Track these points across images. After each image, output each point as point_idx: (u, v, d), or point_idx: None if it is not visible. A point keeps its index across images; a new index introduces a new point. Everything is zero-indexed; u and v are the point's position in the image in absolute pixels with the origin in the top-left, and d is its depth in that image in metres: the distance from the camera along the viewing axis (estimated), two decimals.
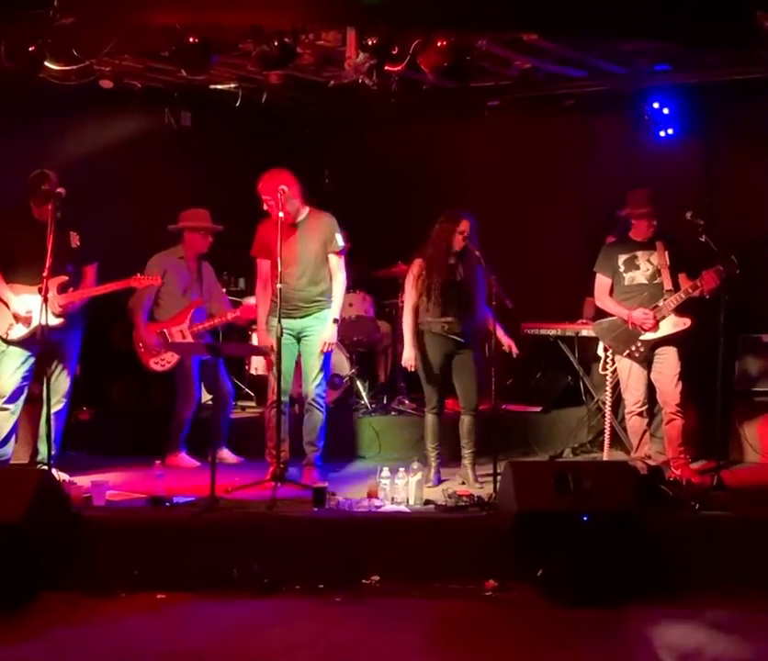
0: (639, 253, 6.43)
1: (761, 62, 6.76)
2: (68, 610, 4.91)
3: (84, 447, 7.23)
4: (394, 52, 6.14)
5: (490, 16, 5.78)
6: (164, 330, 6.92)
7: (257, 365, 8.01)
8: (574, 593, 4.93)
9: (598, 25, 5.85)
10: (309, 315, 6.31)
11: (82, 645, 4.56)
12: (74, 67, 6.34)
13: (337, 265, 6.33)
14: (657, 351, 6.40)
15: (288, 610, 4.93)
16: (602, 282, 6.57)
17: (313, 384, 6.31)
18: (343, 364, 7.70)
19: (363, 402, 7.87)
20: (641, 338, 6.37)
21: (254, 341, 7.25)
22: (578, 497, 5.04)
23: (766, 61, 6.69)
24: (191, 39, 6.08)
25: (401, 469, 5.80)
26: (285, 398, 6.31)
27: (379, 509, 5.60)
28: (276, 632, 4.67)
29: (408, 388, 7.85)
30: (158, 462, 6.02)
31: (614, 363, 6.60)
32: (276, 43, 6.10)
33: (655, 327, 6.33)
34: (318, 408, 6.34)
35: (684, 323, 6.31)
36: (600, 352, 6.71)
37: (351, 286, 6.78)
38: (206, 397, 7.34)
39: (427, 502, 5.76)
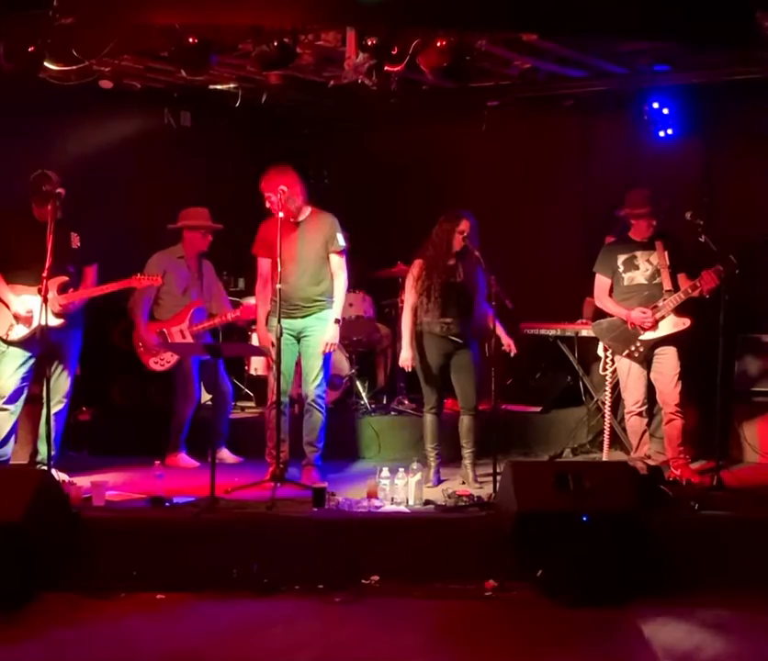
0: (639, 254, 6.43)
1: (760, 62, 6.76)
2: (67, 610, 4.91)
3: (84, 447, 7.23)
4: (394, 52, 6.15)
5: (489, 17, 5.77)
6: (164, 330, 6.92)
7: (257, 366, 8.01)
8: (574, 593, 4.93)
9: (598, 25, 5.85)
10: (309, 315, 6.31)
11: (81, 645, 4.56)
12: (74, 67, 6.34)
13: (338, 265, 6.33)
14: (656, 351, 6.40)
15: (287, 611, 4.93)
16: (601, 282, 6.57)
17: (313, 384, 6.31)
18: (342, 365, 7.71)
19: (362, 402, 7.86)
20: (640, 338, 6.37)
21: (254, 341, 7.25)
22: (578, 497, 5.04)
23: (766, 61, 6.69)
24: (191, 40, 6.08)
25: (401, 469, 5.80)
26: (285, 399, 6.31)
27: (379, 510, 5.60)
28: (275, 633, 4.67)
29: (407, 389, 7.85)
30: (158, 462, 6.02)
31: (613, 363, 6.60)
32: (275, 43, 6.11)
33: (654, 327, 6.33)
34: (318, 409, 6.33)
35: (684, 323, 6.31)
36: (599, 352, 6.71)
37: (351, 286, 6.78)
38: (205, 397, 7.34)
39: (427, 502, 5.76)
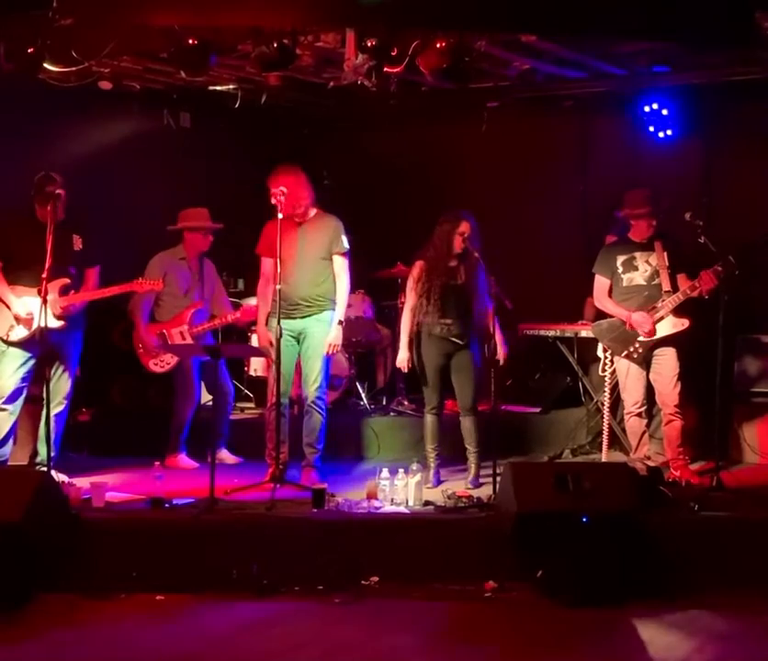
0: (638, 254, 6.44)
1: (760, 63, 6.76)
2: (67, 611, 4.91)
3: (84, 448, 7.23)
4: (393, 54, 6.15)
5: (489, 17, 5.77)
6: (164, 332, 6.92)
7: (256, 367, 8.02)
8: (574, 594, 4.93)
9: (597, 26, 5.85)
10: (309, 316, 6.31)
11: (81, 646, 4.56)
12: (74, 68, 6.34)
13: (341, 267, 6.33)
14: (656, 351, 6.40)
15: (287, 612, 4.93)
16: (600, 283, 6.57)
17: (313, 386, 6.31)
18: (342, 365, 7.71)
19: (362, 403, 7.87)
20: (640, 339, 6.37)
21: (254, 342, 7.25)
22: (577, 498, 5.05)
23: (765, 62, 6.70)
24: (190, 41, 6.08)
25: (401, 470, 5.80)
26: (284, 400, 6.31)
27: (379, 511, 5.60)
28: (275, 634, 4.67)
29: (407, 389, 7.85)
30: (157, 463, 6.02)
31: (612, 364, 6.60)
32: (275, 44, 6.11)
33: (653, 332, 6.33)
34: (318, 411, 6.33)
35: (683, 324, 6.31)
36: (599, 353, 6.71)
37: (350, 287, 6.77)
38: (206, 397, 7.33)
39: (426, 503, 5.76)
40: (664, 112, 7.80)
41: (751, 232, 6.59)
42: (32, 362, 6.23)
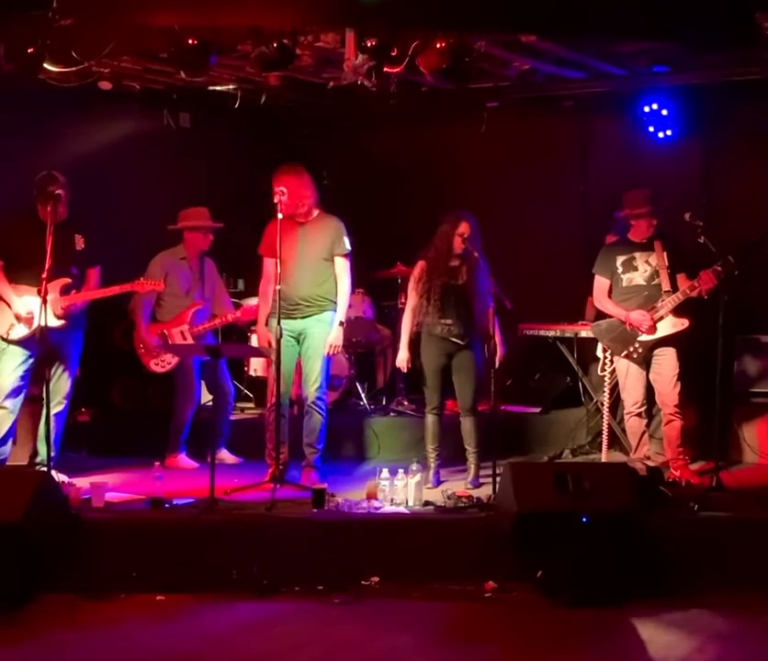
0: (638, 255, 6.44)
1: (759, 63, 6.76)
2: (67, 611, 4.91)
3: (84, 448, 7.23)
4: (393, 54, 6.15)
5: (488, 18, 5.77)
6: (165, 332, 6.91)
7: (256, 367, 8.02)
8: (574, 594, 4.94)
9: (596, 26, 5.84)
10: (309, 316, 6.31)
11: (81, 647, 4.56)
12: (73, 68, 6.34)
13: (342, 268, 6.33)
14: (655, 351, 6.40)
15: (287, 612, 4.94)
16: (600, 283, 6.57)
17: (313, 386, 6.31)
18: (342, 365, 7.71)
19: (362, 403, 7.87)
20: (639, 339, 6.37)
21: (254, 342, 7.25)
22: (577, 498, 5.05)
23: (765, 62, 6.70)
24: (190, 41, 6.07)
25: (401, 470, 5.80)
26: (284, 400, 6.31)
27: (379, 511, 5.60)
28: (275, 634, 4.67)
29: (407, 390, 7.85)
30: (157, 463, 6.03)
31: (612, 364, 6.60)
32: (275, 44, 6.10)
33: (653, 329, 6.34)
34: (318, 411, 6.33)
35: (682, 324, 6.31)
36: (599, 353, 6.71)
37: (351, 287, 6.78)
38: (206, 397, 7.33)
39: (426, 503, 5.77)
40: (664, 112, 7.80)
41: (750, 232, 6.61)
42: (32, 360, 6.23)
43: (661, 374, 6.41)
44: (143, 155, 8.14)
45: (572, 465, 6.25)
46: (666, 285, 6.31)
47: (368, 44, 6.08)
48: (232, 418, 7.34)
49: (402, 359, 6.41)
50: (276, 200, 6.02)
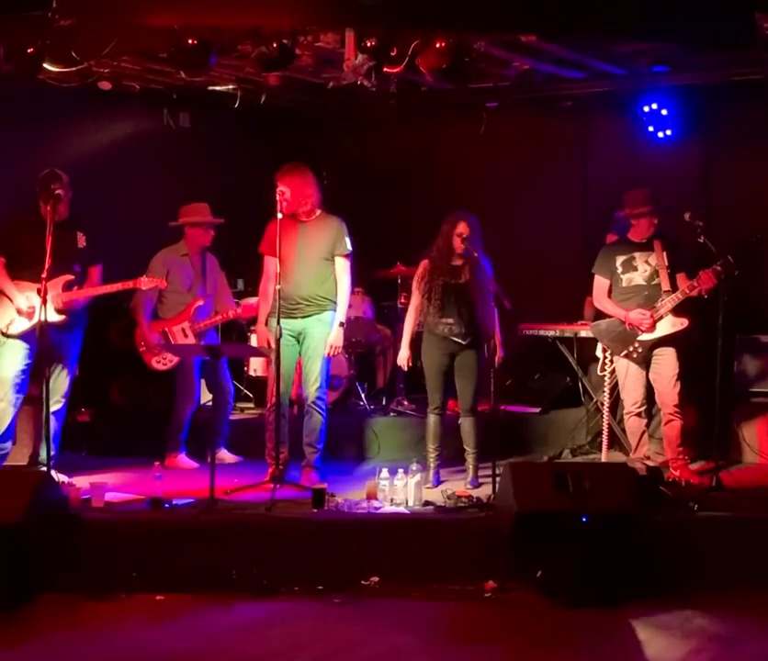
0: (637, 255, 6.44)
1: (759, 63, 6.77)
2: (67, 611, 4.91)
3: (84, 448, 7.24)
4: (393, 54, 6.15)
5: (488, 18, 5.77)
6: (166, 329, 6.91)
7: (256, 367, 8.01)
8: (574, 594, 4.93)
9: (596, 26, 5.85)
10: (309, 315, 6.30)
11: (81, 647, 4.56)
12: (73, 69, 6.35)
13: (343, 268, 6.33)
14: (655, 351, 6.40)
15: (287, 612, 4.93)
16: (600, 283, 6.57)
17: (314, 386, 6.31)
18: (342, 365, 7.70)
19: (362, 403, 7.87)
20: (639, 338, 6.37)
21: (254, 341, 7.25)
22: (577, 498, 5.04)
23: (764, 62, 6.71)
24: (190, 41, 6.07)
25: (401, 470, 5.80)
26: (284, 400, 6.31)
27: (378, 511, 5.60)
28: (275, 634, 4.67)
29: (407, 390, 7.85)
30: (157, 463, 6.02)
31: (612, 363, 6.60)
32: (274, 45, 6.11)
33: (652, 328, 6.34)
34: (318, 411, 6.33)
35: (682, 323, 6.31)
36: (598, 353, 6.71)
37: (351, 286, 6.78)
38: (206, 397, 7.33)
39: (426, 503, 5.77)
40: (664, 112, 7.80)
41: (750, 232, 6.59)
42: (32, 356, 6.23)
43: (661, 373, 6.41)
44: (143, 155, 8.14)
45: (572, 465, 6.25)
46: (666, 285, 6.31)
47: (368, 44, 6.08)
48: (232, 418, 7.34)
49: (403, 357, 6.43)
50: (277, 199, 6.02)
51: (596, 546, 4.96)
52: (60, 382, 6.31)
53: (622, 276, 6.47)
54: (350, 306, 7.74)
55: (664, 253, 6.36)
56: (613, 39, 6.71)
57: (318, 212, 6.36)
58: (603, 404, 6.83)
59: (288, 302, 6.16)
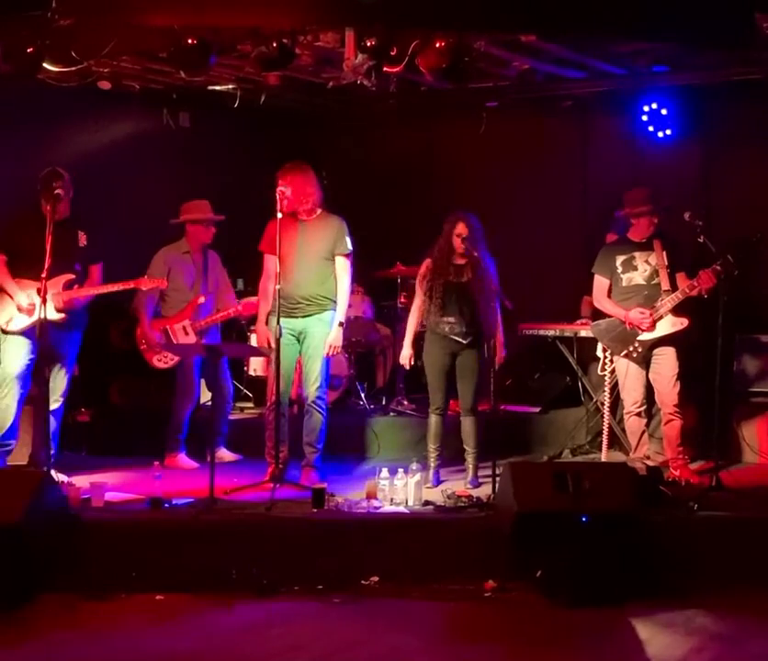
0: (637, 254, 6.44)
1: (759, 63, 6.77)
2: (67, 611, 4.90)
3: (83, 448, 7.24)
4: (393, 53, 6.15)
5: (488, 17, 5.77)
6: (167, 328, 6.90)
7: (256, 367, 8.01)
8: (573, 594, 4.93)
9: (596, 26, 5.85)
10: (310, 315, 6.30)
11: (80, 647, 4.55)
12: (73, 68, 6.35)
13: (343, 268, 6.32)
14: (655, 351, 6.40)
15: (287, 612, 4.93)
16: (600, 283, 6.57)
17: (314, 385, 6.31)
18: (341, 365, 7.70)
19: (362, 403, 7.87)
20: (639, 338, 6.37)
21: (253, 341, 7.24)
22: (577, 497, 5.04)
23: (764, 62, 6.71)
24: (189, 41, 6.08)
25: (400, 470, 5.80)
26: (284, 399, 6.31)
27: (378, 510, 5.60)
28: (275, 634, 4.67)
29: (407, 389, 7.86)
30: (157, 463, 6.03)
31: (612, 363, 6.60)
32: (274, 44, 6.11)
33: (652, 327, 6.34)
34: (318, 410, 6.33)
35: (682, 323, 6.31)
36: (598, 352, 6.71)
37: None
38: (205, 396, 7.33)
39: (426, 503, 5.76)
40: (664, 112, 7.81)
41: (750, 232, 6.59)
42: (35, 352, 6.23)
43: (661, 373, 6.41)
44: (143, 155, 8.14)
45: (572, 465, 6.25)
46: (666, 285, 6.31)
47: (368, 44, 6.09)
48: (232, 417, 7.34)
49: (405, 356, 6.45)
50: (277, 197, 6.02)
51: (596, 546, 4.96)
52: (58, 381, 6.32)
53: (622, 276, 6.47)
54: (350, 305, 7.73)
55: (664, 253, 6.36)
56: (613, 39, 6.72)
57: (318, 211, 6.36)
58: (603, 404, 6.83)
59: (289, 302, 6.16)
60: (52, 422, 6.24)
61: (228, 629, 4.73)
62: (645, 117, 7.88)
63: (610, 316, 6.50)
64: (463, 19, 5.77)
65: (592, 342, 6.92)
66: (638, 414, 6.50)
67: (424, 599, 5.04)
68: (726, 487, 5.98)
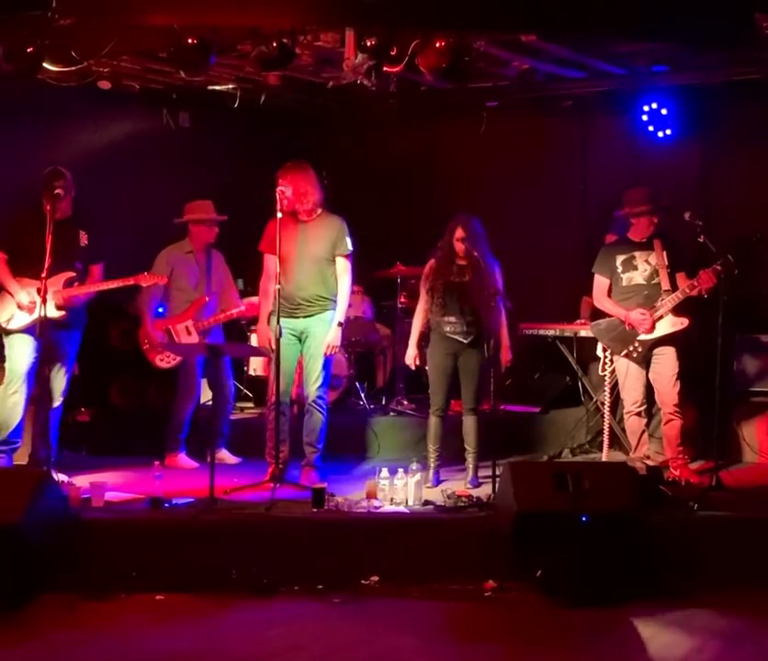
0: (637, 254, 6.44)
1: (759, 63, 6.77)
2: (67, 611, 4.90)
3: (83, 448, 7.24)
4: (393, 53, 6.15)
5: (488, 17, 5.78)
6: (170, 328, 6.90)
7: (256, 367, 8.02)
8: (573, 593, 4.93)
9: (596, 25, 5.85)
10: (311, 315, 6.30)
11: (80, 647, 4.55)
12: (73, 68, 6.35)
13: (344, 268, 6.32)
14: (655, 351, 6.40)
15: (287, 611, 4.93)
16: (600, 283, 6.57)
17: (314, 385, 6.31)
18: (341, 365, 7.70)
19: (362, 403, 7.87)
20: (639, 338, 6.37)
21: (254, 341, 7.24)
22: (577, 497, 5.04)
23: (764, 62, 6.71)
24: (189, 40, 6.08)
25: (400, 470, 5.80)
26: (285, 399, 6.31)
27: (378, 510, 5.60)
28: (275, 634, 4.67)
29: (407, 389, 7.86)
30: (157, 463, 6.03)
31: (612, 363, 6.61)
32: (274, 44, 6.11)
33: (652, 327, 6.34)
34: (318, 410, 6.33)
35: (682, 323, 6.31)
36: (598, 352, 6.72)
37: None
38: (206, 396, 7.33)
39: (426, 503, 5.77)
40: (664, 112, 7.81)
41: (750, 232, 6.59)
42: (38, 349, 6.23)
43: (661, 373, 6.41)
44: (143, 155, 8.13)
45: (572, 465, 6.25)
46: (666, 285, 6.31)
47: (368, 43, 6.09)
48: (232, 417, 7.34)
49: (410, 356, 6.45)
50: (277, 197, 6.02)
51: (596, 546, 4.96)
52: (58, 381, 6.33)
53: (622, 276, 6.47)
54: (350, 305, 7.74)
55: (664, 253, 6.36)
56: (613, 39, 6.71)
57: (319, 211, 6.35)
58: (603, 403, 6.83)
59: (290, 302, 6.16)
60: (51, 421, 6.23)
61: (228, 629, 4.73)
62: (645, 117, 7.88)
63: (610, 315, 6.51)
64: (463, 19, 5.78)
65: (592, 342, 6.92)
66: (638, 414, 6.50)
67: (424, 599, 5.04)
68: (726, 487, 5.99)
